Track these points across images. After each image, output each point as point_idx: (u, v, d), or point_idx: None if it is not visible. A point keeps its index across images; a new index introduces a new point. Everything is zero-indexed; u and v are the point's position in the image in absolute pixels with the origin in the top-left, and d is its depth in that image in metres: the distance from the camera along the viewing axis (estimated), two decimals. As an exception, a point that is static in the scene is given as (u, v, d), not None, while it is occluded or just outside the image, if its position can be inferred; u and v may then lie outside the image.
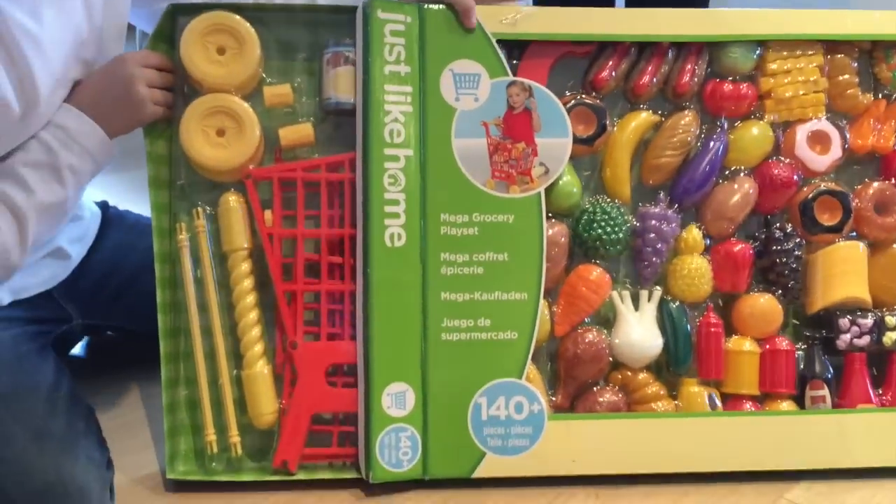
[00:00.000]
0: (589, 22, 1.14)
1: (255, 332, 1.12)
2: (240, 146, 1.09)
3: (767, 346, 1.19)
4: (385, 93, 1.09)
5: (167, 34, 1.12)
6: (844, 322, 1.18)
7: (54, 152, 1.03)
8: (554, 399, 1.16)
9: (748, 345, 1.18)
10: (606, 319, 1.18)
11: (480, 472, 1.12)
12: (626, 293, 1.17)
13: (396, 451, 1.10)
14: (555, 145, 1.14)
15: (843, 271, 1.19)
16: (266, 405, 1.12)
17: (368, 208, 1.09)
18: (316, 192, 1.12)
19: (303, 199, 1.12)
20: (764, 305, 1.19)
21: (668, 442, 1.13)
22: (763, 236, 1.19)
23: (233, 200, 1.12)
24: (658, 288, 1.17)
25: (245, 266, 1.12)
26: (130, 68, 1.07)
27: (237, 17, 1.09)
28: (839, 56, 1.20)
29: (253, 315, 1.12)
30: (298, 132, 1.12)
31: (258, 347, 1.12)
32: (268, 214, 1.12)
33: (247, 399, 1.12)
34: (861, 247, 1.21)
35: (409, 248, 1.11)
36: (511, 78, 1.13)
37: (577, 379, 1.16)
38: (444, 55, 1.11)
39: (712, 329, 1.18)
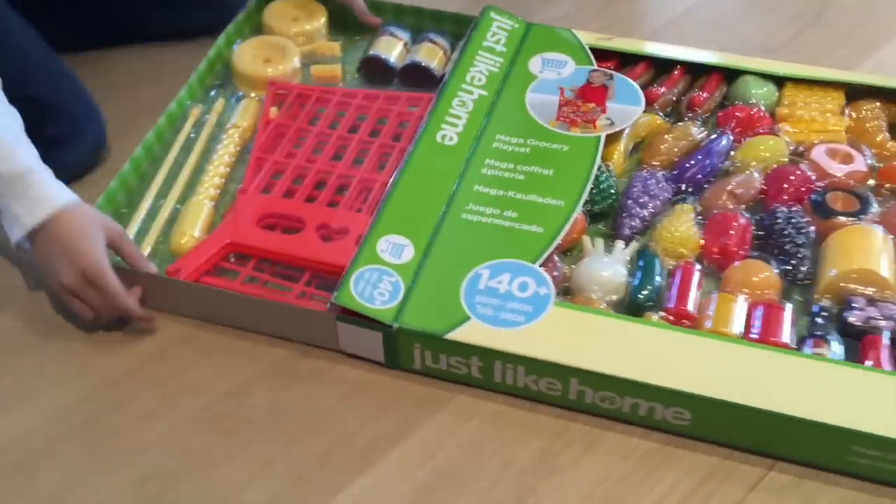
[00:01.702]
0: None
1: (214, 177, 1.14)
2: (278, 69, 1.27)
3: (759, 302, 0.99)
4: (477, 57, 1.23)
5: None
6: (859, 299, 0.97)
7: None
8: None
9: (738, 297, 0.99)
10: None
11: (458, 336, 0.94)
12: (600, 239, 1.06)
13: (373, 289, 0.98)
14: (625, 110, 1.17)
15: (860, 248, 1.01)
16: (191, 227, 1.07)
17: (430, 118, 1.15)
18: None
19: (312, 108, 1.22)
20: (755, 266, 1.02)
21: (672, 356, 0.93)
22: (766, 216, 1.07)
23: (251, 99, 1.25)
24: (638, 239, 1.06)
25: (234, 138, 1.19)
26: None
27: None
28: (865, 103, 1.19)
29: (220, 164, 1.16)
30: (328, 70, 1.30)
31: (210, 185, 1.13)
32: (274, 110, 1.21)
33: (176, 223, 1.09)
34: (881, 231, 1.03)
35: (458, 148, 1.13)
36: (594, 67, 1.23)
37: None
38: (538, 47, 1.26)
39: (688, 267, 1.03)
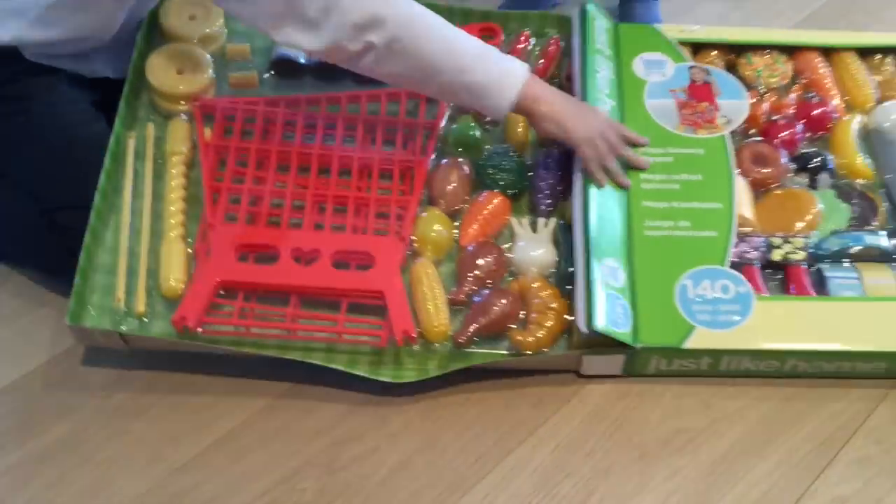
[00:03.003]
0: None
1: (177, 213, 1.23)
2: (193, 81, 1.33)
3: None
4: (596, 61, 1.36)
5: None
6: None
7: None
8: (453, 293, 1.21)
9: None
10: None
11: (692, 344, 1.16)
12: (525, 219, 1.27)
13: (613, 313, 1.14)
14: (734, 105, 1.38)
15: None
16: (174, 271, 1.18)
17: None
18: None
19: (240, 122, 1.31)
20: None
21: (854, 323, 1.19)
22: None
23: (179, 121, 1.32)
24: (554, 219, 1.27)
25: (181, 167, 1.27)
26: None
27: None
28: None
29: (177, 198, 1.24)
30: (244, 77, 1.38)
31: (175, 223, 1.23)
32: (207, 131, 1.30)
33: (159, 269, 1.20)
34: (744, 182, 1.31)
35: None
36: (692, 63, 1.41)
37: (475, 271, 1.22)
38: (634, 49, 1.42)
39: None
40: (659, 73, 1.40)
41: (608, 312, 1.13)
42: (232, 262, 1.20)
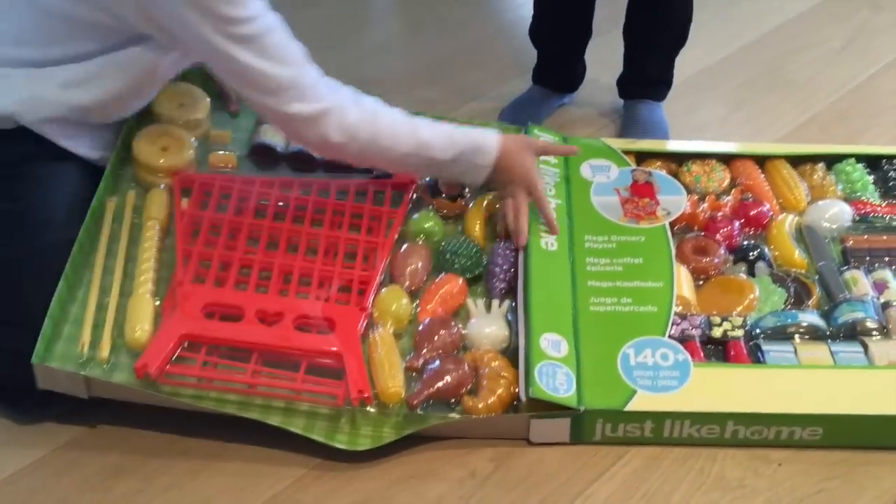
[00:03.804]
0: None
1: (148, 271, 1.28)
2: (175, 157, 1.42)
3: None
4: (541, 169, 1.50)
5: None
6: (675, 318, 1.33)
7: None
8: (410, 360, 1.27)
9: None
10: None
11: (633, 406, 1.22)
12: (480, 300, 1.36)
13: (553, 380, 1.21)
14: (673, 200, 1.51)
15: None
16: (140, 322, 1.22)
17: (530, 226, 1.40)
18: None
19: (216, 197, 1.40)
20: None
21: (790, 387, 1.26)
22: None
23: (159, 190, 1.39)
24: (508, 301, 1.35)
25: (156, 230, 1.34)
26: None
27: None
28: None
29: (149, 258, 1.30)
30: (224, 158, 1.48)
31: (145, 280, 1.27)
32: (184, 201, 1.38)
33: (125, 320, 1.23)
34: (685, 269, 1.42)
35: (559, 252, 1.40)
36: (634, 166, 1.55)
37: (431, 342, 1.29)
38: (582, 156, 1.56)
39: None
40: (604, 175, 1.54)
41: (548, 380, 1.21)
42: (198, 318, 1.24)
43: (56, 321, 1.22)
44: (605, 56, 1.82)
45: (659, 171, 1.55)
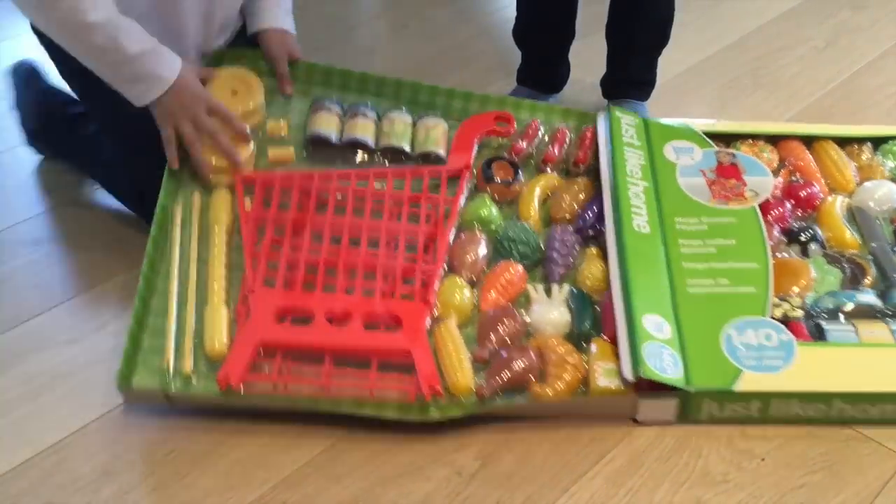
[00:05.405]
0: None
1: (220, 278, 1.26)
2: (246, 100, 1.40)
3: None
4: (626, 152, 1.43)
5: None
6: None
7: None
8: (476, 351, 1.21)
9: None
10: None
11: (741, 386, 1.15)
12: (539, 286, 1.30)
13: (660, 360, 1.15)
14: (760, 181, 1.43)
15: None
16: (217, 334, 1.20)
17: (619, 209, 1.33)
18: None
19: (277, 195, 1.35)
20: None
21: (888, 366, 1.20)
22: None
23: (222, 192, 1.35)
24: (567, 286, 1.30)
25: (223, 235, 1.31)
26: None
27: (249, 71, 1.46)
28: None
29: (219, 264, 1.27)
30: (282, 153, 1.42)
31: (218, 288, 1.25)
32: (247, 201, 1.35)
33: (203, 331, 1.21)
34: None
35: (653, 234, 1.33)
36: (717, 148, 1.45)
37: (496, 332, 1.23)
38: (663, 138, 1.48)
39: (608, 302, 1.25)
40: (688, 157, 1.45)
41: (656, 360, 1.15)
42: (271, 324, 1.22)
43: (135, 337, 1.21)
44: (588, 57, 1.79)
45: (741, 153, 1.47)
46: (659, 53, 1.71)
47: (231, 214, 1.34)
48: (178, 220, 1.33)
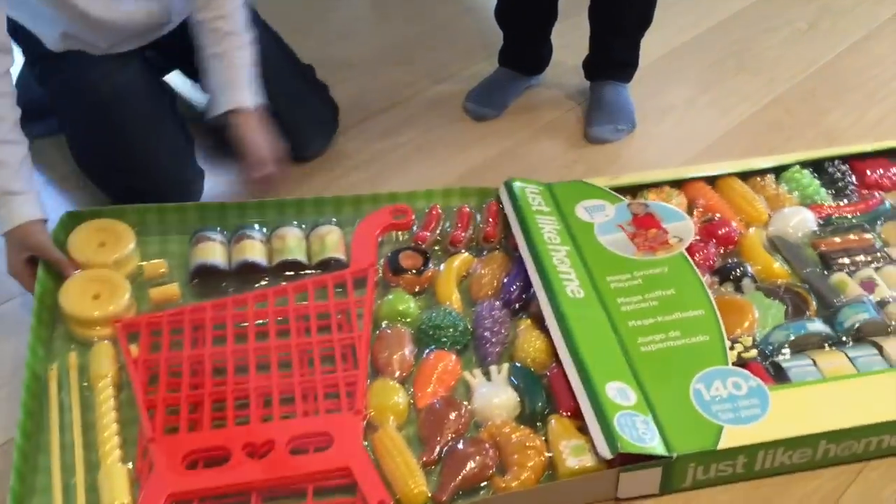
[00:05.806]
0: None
1: (112, 437, 1.11)
2: (111, 305, 1.24)
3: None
4: (538, 220, 1.35)
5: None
6: None
7: None
8: (424, 454, 1.11)
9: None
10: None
11: (726, 443, 1.07)
12: (476, 370, 1.22)
13: (635, 430, 1.07)
14: (680, 226, 1.38)
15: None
16: (118, 494, 1.05)
17: (548, 278, 1.25)
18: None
19: (167, 334, 1.23)
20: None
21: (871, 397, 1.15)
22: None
23: (103, 345, 1.21)
24: (506, 364, 1.22)
25: (109, 390, 1.17)
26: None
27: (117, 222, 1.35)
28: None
29: (109, 422, 1.13)
30: (165, 292, 1.30)
31: (112, 446, 1.10)
32: (133, 348, 1.21)
33: (101, 494, 1.06)
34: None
35: (588, 298, 1.25)
36: (628, 201, 1.40)
37: (442, 429, 1.13)
38: (571, 200, 1.40)
39: (556, 371, 1.18)
40: (602, 214, 1.38)
41: (630, 431, 1.06)
42: (180, 473, 1.08)
43: None
44: (571, 38, 1.79)
45: (652, 201, 1.42)
46: (642, 35, 1.69)
47: (115, 366, 1.20)
48: (53, 386, 1.18)
